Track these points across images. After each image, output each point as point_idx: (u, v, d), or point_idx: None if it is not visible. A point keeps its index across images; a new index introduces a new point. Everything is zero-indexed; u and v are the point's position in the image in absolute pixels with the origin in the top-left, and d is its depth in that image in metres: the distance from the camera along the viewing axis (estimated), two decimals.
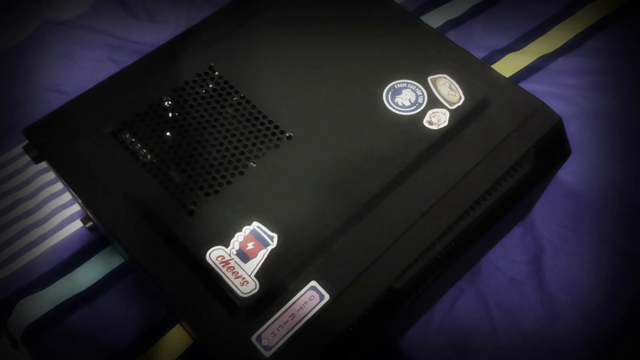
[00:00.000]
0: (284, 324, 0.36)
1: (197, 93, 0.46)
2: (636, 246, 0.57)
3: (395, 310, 0.40)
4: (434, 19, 0.75)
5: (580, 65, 0.70)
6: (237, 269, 0.38)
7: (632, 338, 0.54)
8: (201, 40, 0.48)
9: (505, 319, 0.53)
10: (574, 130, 0.64)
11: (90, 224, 0.57)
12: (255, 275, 0.37)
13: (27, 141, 0.45)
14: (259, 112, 0.45)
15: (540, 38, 0.73)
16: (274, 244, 0.39)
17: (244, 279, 0.37)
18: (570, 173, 0.61)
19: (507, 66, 0.70)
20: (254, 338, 0.36)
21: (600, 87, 0.68)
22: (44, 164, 0.45)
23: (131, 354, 0.51)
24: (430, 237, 0.40)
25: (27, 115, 0.65)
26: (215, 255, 0.38)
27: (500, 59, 0.71)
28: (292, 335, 0.36)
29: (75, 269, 0.56)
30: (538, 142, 0.44)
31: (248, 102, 0.45)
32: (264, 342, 0.36)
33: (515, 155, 0.43)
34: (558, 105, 0.65)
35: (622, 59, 0.71)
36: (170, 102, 0.45)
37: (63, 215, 0.59)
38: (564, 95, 0.67)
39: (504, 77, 0.48)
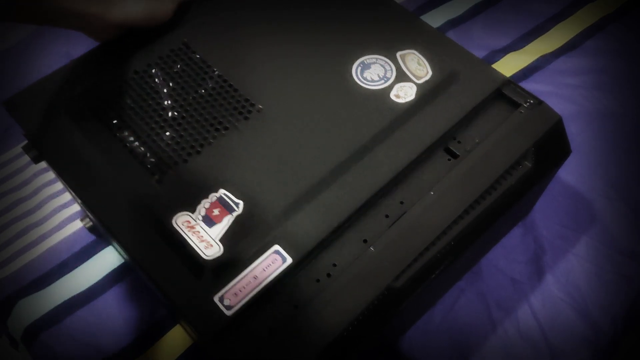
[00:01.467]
0: (246, 285, 0.37)
1: (170, 67, 0.47)
2: (637, 246, 0.57)
3: (395, 310, 0.40)
4: (434, 19, 0.75)
5: (580, 65, 0.70)
6: (202, 233, 0.39)
7: (632, 338, 0.54)
8: (176, 16, 0.49)
9: (505, 319, 0.53)
10: (574, 130, 0.64)
11: (90, 224, 0.57)
12: (220, 240, 0.38)
13: (26, 141, 0.45)
14: (230, 85, 0.46)
15: (540, 38, 0.73)
16: (239, 210, 0.40)
17: (208, 242, 0.38)
18: (570, 173, 0.61)
19: (507, 66, 0.70)
20: (216, 298, 0.37)
21: (600, 87, 0.68)
22: (43, 164, 0.45)
23: (131, 354, 0.51)
24: (430, 236, 0.40)
25: None
26: (181, 220, 0.39)
27: (500, 58, 0.71)
28: (253, 296, 0.37)
29: (74, 269, 0.56)
30: (538, 142, 0.44)
31: (220, 76, 0.46)
32: (226, 302, 0.36)
33: (515, 154, 0.43)
34: (558, 105, 0.65)
35: (622, 59, 0.71)
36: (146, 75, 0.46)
37: (63, 215, 0.59)
38: (564, 95, 0.67)
39: (504, 76, 0.48)
